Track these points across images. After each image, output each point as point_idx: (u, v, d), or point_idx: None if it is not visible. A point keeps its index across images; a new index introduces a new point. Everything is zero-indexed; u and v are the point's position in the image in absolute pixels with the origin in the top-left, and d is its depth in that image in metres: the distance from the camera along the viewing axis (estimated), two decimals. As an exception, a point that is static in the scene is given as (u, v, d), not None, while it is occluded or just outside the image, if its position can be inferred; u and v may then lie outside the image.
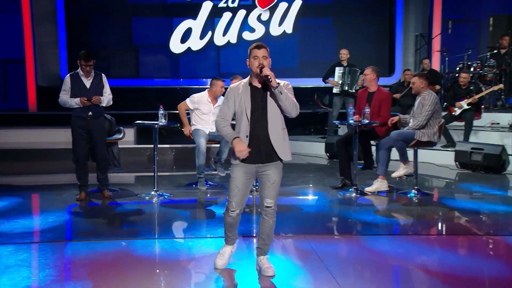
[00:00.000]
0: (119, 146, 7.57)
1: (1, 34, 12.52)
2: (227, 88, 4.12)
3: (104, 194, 6.60)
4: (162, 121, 6.69)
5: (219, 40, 12.62)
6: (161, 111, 6.67)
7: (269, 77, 3.78)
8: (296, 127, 11.58)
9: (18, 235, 5.06)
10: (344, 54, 10.13)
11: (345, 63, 10.12)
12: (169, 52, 12.65)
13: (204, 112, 7.26)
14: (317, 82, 10.84)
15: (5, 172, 8.74)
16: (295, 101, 3.90)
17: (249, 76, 4.01)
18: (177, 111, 7.34)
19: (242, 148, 3.85)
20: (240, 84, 3.99)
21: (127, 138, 8.22)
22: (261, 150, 3.91)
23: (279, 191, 4.05)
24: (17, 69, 12.35)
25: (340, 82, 10.02)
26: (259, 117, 3.89)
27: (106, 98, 6.44)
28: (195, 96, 7.30)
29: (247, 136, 3.91)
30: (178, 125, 7.09)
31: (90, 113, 6.35)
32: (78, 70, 6.39)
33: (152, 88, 12.63)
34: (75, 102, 6.31)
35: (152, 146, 6.99)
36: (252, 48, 3.94)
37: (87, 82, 6.36)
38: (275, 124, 3.91)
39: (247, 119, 3.90)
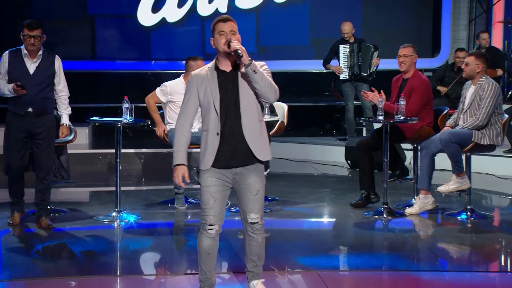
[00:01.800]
0: (69, 151, 7.53)
1: None
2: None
3: (41, 222, 6.38)
4: (127, 118, 6.68)
5: (204, 8, 12.56)
6: (125, 105, 6.68)
7: (239, 51, 4.00)
8: (307, 125, 11.56)
9: None
10: (347, 29, 10.21)
11: (351, 40, 10.25)
12: (137, 25, 12.55)
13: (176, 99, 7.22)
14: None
15: None
16: (273, 82, 4.14)
17: (214, 59, 4.23)
18: (145, 104, 7.37)
19: (179, 175, 4.17)
20: (203, 70, 4.22)
21: (79, 140, 8.18)
22: (236, 150, 4.14)
23: (264, 204, 4.25)
24: None
25: (346, 65, 10.16)
26: (230, 108, 4.14)
27: (64, 95, 6.36)
28: (167, 85, 7.32)
29: (218, 134, 4.13)
30: (149, 123, 7.12)
31: (29, 109, 6.22)
32: (22, 47, 6.24)
33: (114, 74, 12.52)
34: (8, 89, 6.15)
35: (114, 151, 6.92)
36: (216, 22, 4.18)
37: (31, 66, 6.25)
38: (250, 116, 4.15)
39: (216, 113, 4.13)
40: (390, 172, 7.23)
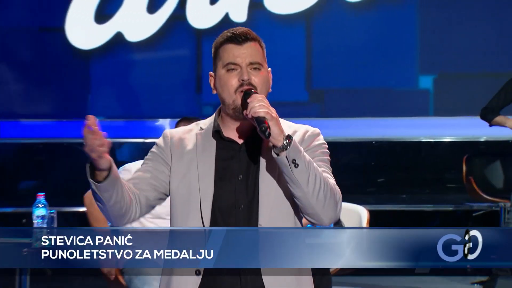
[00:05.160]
0: None
1: None
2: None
3: None
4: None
5: (201, 14, 12.98)
6: (39, 210, 7.15)
7: (263, 127, 3.89)
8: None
9: None
10: None
11: None
12: (65, 47, 12.98)
13: (159, 210, 7.16)
14: (473, 129, 11.19)
15: None
16: (332, 182, 4.11)
17: (214, 114, 4.29)
18: (85, 209, 7.99)
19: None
20: (191, 133, 4.30)
21: None
22: None
23: None
24: None
25: None
26: (237, 221, 4.15)
27: None
28: (132, 167, 7.53)
29: (199, 273, 4.05)
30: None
31: None
32: None
33: (15, 146, 12.99)
34: None
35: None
36: (222, 42, 4.19)
37: None
38: None
39: (201, 224, 4.10)
40: None
